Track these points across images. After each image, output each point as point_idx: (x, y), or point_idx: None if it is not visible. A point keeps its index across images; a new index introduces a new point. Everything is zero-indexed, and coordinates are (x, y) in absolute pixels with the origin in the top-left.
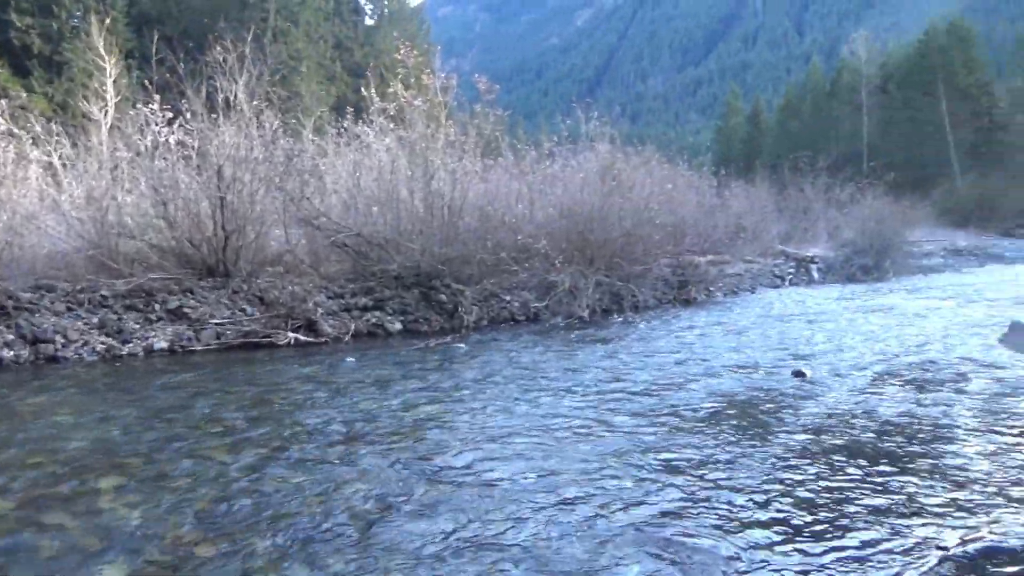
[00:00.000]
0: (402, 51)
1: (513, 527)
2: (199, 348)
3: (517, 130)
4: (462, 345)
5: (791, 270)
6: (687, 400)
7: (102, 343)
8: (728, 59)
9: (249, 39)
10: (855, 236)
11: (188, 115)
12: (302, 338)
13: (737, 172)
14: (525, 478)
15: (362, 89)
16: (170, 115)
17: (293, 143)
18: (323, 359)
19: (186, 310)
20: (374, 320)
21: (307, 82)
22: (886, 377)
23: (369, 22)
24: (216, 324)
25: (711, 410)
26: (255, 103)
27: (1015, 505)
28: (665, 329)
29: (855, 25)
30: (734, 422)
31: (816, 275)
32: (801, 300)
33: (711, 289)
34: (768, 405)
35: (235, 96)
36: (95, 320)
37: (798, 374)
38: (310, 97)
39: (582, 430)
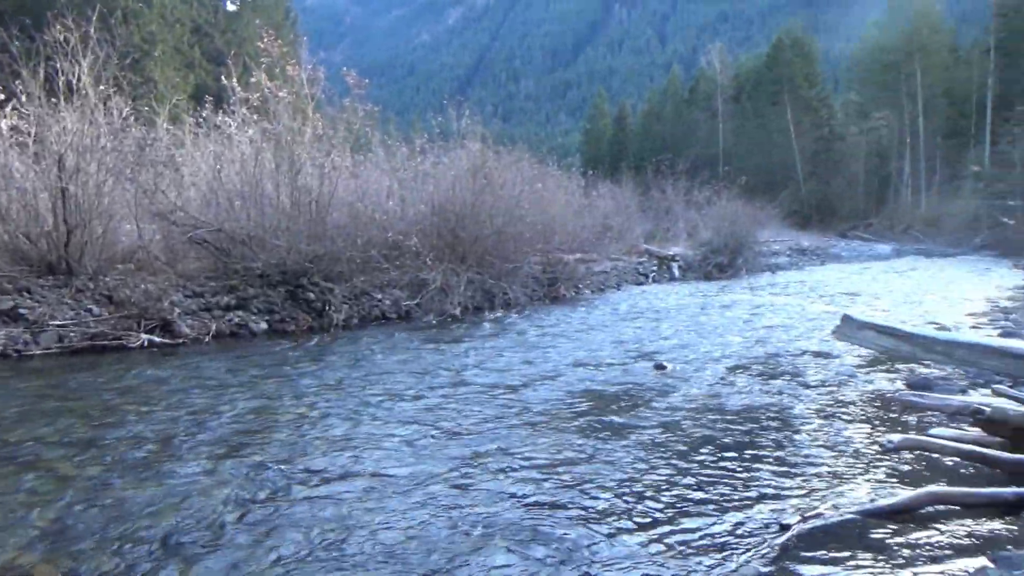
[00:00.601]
0: (265, 40)
1: (379, 527)
2: (38, 352)
3: (388, 126)
4: (331, 345)
5: (654, 268)
6: (554, 395)
7: None
8: (596, 63)
9: (95, 19)
10: (712, 236)
11: (23, 98)
12: (157, 340)
13: (604, 173)
14: (391, 477)
15: (223, 78)
16: (1, 97)
17: (146, 132)
18: (180, 362)
19: (22, 311)
20: (237, 320)
21: (162, 68)
22: (737, 368)
23: (231, 7)
24: (58, 326)
25: (577, 404)
26: (102, 88)
27: (847, 484)
28: (535, 326)
29: (711, 37)
30: (599, 415)
31: (677, 273)
32: (663, 297)
33: (579, 286)
34: (631, 398)
35: (78, 80)
36: None
37: (659, 367)
38: (165, 84)
39: (449, 428)
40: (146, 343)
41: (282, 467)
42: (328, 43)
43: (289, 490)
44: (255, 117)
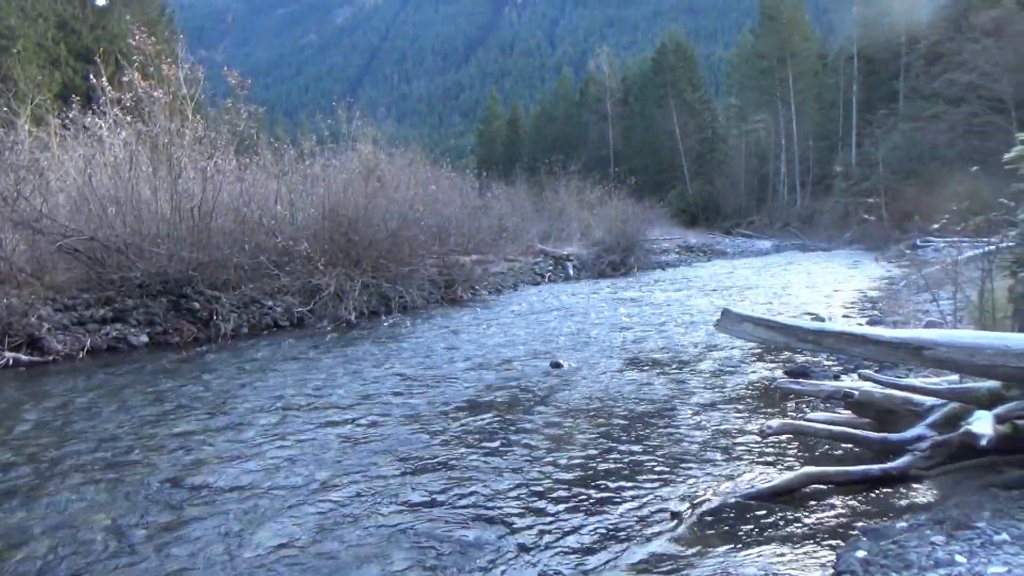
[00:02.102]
0: (138, 37)
1: (273, 540)
2: None
3: (276, 128)
4: (218, 356)
5: (550, 268)
6: (451, 397)
7: None
8: (488, 65)
9: None
10: (604, 235)
11: None
12: (24, 358)
13: (498, 174)
14: (285, 489)
15: (92, 76)
16: None
17: (4, 134)
18: (50, 381)
19: None
20: (115, 333)
21: (23, 65)
22: (630, 364)
23: (100, 2)
24: None
25: (474, 406)
26: None
27: (733, 470)
28: (432, 329)
29: (599, 41)
30: (495, 416)
31: (572, 272)
32: (558, 296)
33: (476, 288)
34: (528, 397)
35: None
36: None
37: (555, 365)
38: (27, 82)
39: (344, 435)
40: (11, 361)
41: (165, 486)
42: (209, 41)
43: (173, 510)
44: (128, 118)
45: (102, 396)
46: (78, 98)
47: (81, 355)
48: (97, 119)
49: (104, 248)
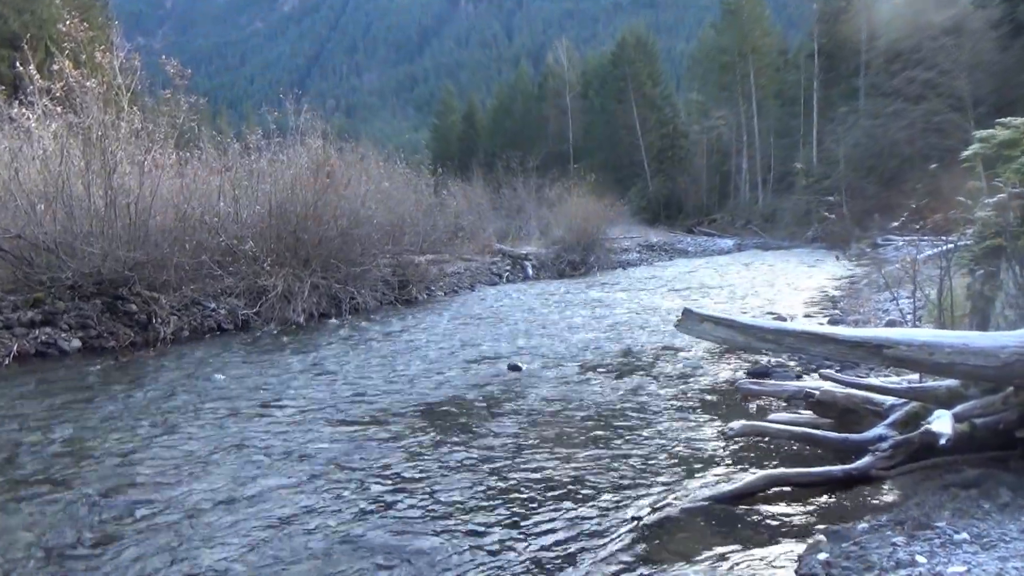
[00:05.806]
0: (69, 22)
1: (215, 556)
2: None
3: (219, 120)
4: (156, 361)
5: (508, 267)
6: (406, 403)
7: None
8: (443, 58)
9: None
10: (564, 234)
11: None
12: None
13: (454, 170)
14: (232, 502)
15: (18, 64)
16: None
17: None
18: None
19: None
20: (44, 338)
21: None
22: (591, 366)
23: None
24: None
25: (431, 411)
26: None
27: (694, 472)
28: (385, 331)
29: (558, 33)
30: (453, 421)
31: (531, 272)
32: (517, 296)
33: (432, 288)
34: (486, 402)
35: None
36: None
37: (514, 368)
38: None
39: (293, 445)
40: None
41: (98, 500)
42: (146, 28)
43: (107, 525)
44: (59, 109)
45: (28, 405)
46: (3, 87)
47: (7, 361)
48: (24, 110)
49: (32, 247)
